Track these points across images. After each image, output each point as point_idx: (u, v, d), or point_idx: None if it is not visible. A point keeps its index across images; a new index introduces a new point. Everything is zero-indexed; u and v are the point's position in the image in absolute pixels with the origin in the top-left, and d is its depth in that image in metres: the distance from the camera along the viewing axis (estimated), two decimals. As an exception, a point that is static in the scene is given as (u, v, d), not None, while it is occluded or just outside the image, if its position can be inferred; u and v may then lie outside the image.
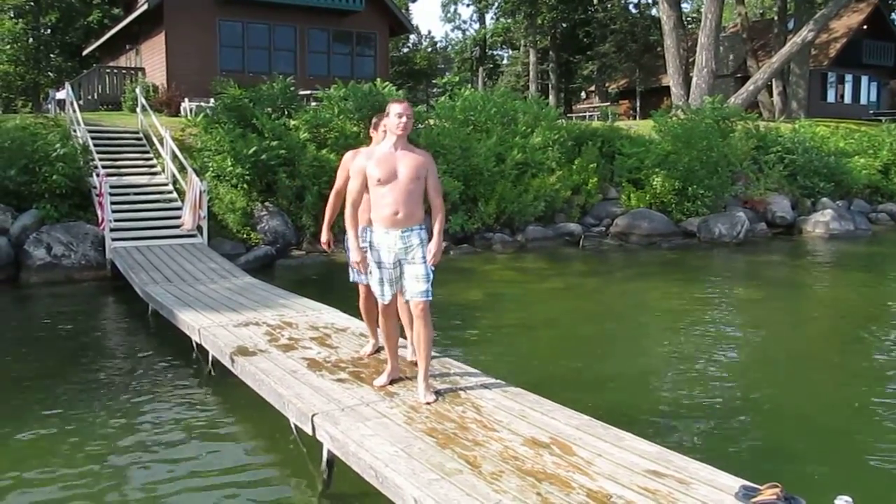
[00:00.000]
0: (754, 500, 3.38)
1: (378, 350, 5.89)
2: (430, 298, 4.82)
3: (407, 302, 4.90)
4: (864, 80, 38.99)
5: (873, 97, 39.89)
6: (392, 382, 5.14)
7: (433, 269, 4.84)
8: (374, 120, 5.41)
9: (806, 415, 6.12)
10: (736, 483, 3.57)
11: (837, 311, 10.82)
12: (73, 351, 7.86)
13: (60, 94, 20.44)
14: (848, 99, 38.58)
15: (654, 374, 7.25)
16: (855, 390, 6.83)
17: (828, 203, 20.48)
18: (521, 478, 3.70)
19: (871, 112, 37.35)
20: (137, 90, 18.14)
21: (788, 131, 22.93)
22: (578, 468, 3.80)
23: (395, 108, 4.71)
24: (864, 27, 36.53)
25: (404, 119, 4.68)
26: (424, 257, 4.79)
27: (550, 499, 3.47)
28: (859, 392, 6.76)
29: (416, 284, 4.78)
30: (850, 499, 3.16)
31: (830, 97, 37.72)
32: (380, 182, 4.71)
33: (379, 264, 4.85)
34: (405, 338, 5.44)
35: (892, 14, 41.58)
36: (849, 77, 38.25)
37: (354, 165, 4.86)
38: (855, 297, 11.70)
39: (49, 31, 36.45)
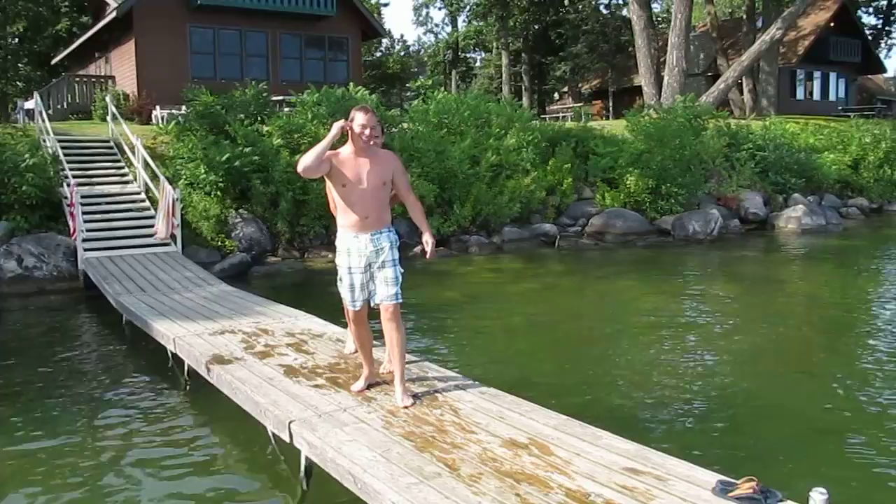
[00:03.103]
0: (731, 494, 3.40)
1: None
2: (401, 301, 4.81)
3: (377, 306, 4.87)
4: (833, 76, 39.50)
5: (842, 93, 40.42)
6: (369, 387, 5.11)
7: (402, 271, 4.83)
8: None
9: (782, 409, 6.18)
10: (713, 478, 3.59)
11: (811, 305, 10.94)
12: (46, 363, 7.75)
13: (29, 104, 20.19)
14: (817, 95, 39.06)
15: (631, 372, 7.29)
16: (830, 384, 6.90)
17: (799, 199, 20.74)
18: (500, 479, 3.70)
19: (840, 108, 37.86)
20: (108, 99, 17.96)
21: (759, 128, 23.19)
22: (557, 468, 3.81)
23: (358, 119, 4.65)
24: (832, 24, 36.98)
25: (368, 132, 4.64)
26: (394, 260, 4.78)
27: (529, 499, 3.47)
28: (834, 385, 6.83)
29: (387, 288, 4.76)
30: (825, 490, 3.19)
31: (800, 94, 38.18)
32: (344, 187, 4.69)
33: (349, 269, 4.82)
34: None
35: (859, 11, 42.21)
36: (817, 74, 38.73)
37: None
38: (828, 291, 11.84)
39: (16, 40, 35.97)
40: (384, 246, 4.77)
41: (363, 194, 4.69)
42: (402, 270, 4.85)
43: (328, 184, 4.98)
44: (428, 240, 4.89)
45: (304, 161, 4.58)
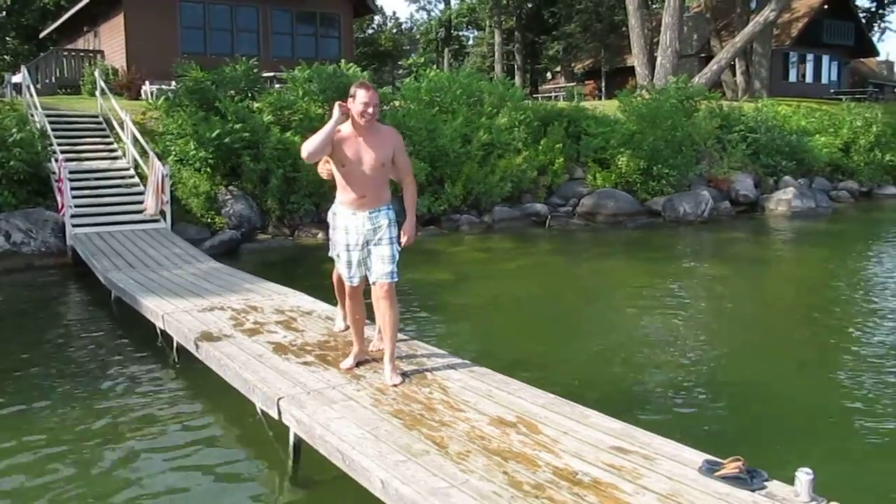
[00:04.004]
0: (718, 473, 3.42)
1: (349, 327, 5.89)
2: (396, 280, 4.80)
3: (373, 284, 4.86)
4: (825, 59, 39.46)
5: (834, 76, 40.40)
6: (358, 365, 5.11)
7: (399, 249, 4.82)
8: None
9: (769, 390, 6.22)
10: (699, 457, 3.61)
11: (800, 287, 10.99)
12: (34, 340, 7.72)
13: (17, 78, 19.92)
14: (809, 78, 39.03)
15: (620, 352, 7.31)
16: (817, 365, 6.95)
17: (790, 181, 20.78)
18: (488, 457, 3.71)
19: (832, 91, 37.85)
20: (96, 73, 17.78)
21: (751, 110, 23.18)
22: (544, 446, 3.82)
23: (360, 96, 4.54)
24: (825, 7, 36.93)
25: (370, 110, 4.54)
26: (392, 238, 4.76)
27: (517, 477, 3.49)
28: (821, 367, 6.88)
29: (382, 266, 4.75)
30: (810, 471, 3.21)
31: (792, 76, 38.15)
32: (344, 167, 4.65)
33: (346, 246, 4.80)
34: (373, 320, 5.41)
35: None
36: (810, 56, 38.67)
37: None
38: (817, 274, 11.90)
39: (3, 13, 35.51)
40: (382, 224, 4.74)
41: (362, 174, 4.64)
42: (400, 248, 4.83)
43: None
44: (406, 229, 4.82)
45: (309, 147, 4.52)
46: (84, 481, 4.57)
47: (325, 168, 5.06)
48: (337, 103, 4.61)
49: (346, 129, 4.65)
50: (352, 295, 4.97)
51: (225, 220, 13.55)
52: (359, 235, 4.74)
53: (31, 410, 5.72)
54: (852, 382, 6.36)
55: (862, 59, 45.21)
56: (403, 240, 4.85)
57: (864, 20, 42.63)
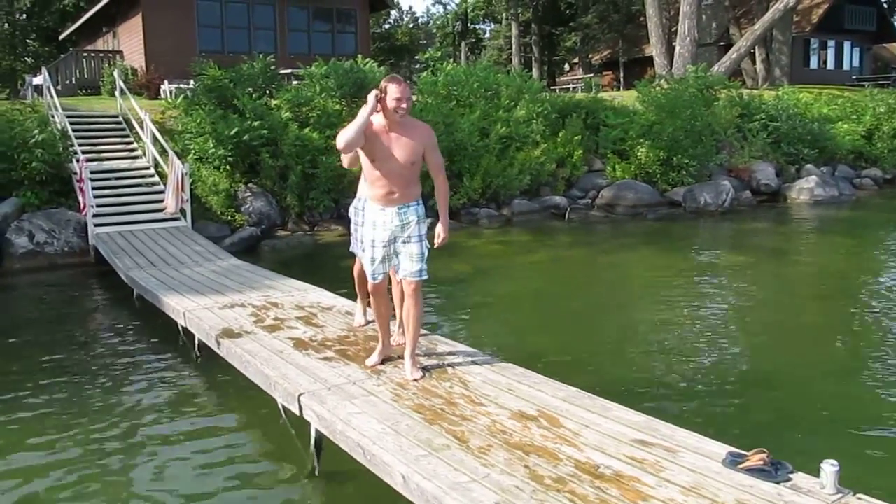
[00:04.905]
0: (741, 465, 3.39)
1: (369, 322, 5.90)
2: (425, 277, 4.77)
3: (400, 280, 4.84)
4: (847, 45, 38.95)
5: (856, 62, 39.87)
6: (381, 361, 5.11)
7: (429, 247, 4.79)
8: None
9: (793, 382, 6.16)
10: (723, 450, 3.58)
11: (824, 277, 10.87)
12: (58, 338, 7.80)
13: (37, 80, 20.12)
14: (831, 65, 38.54)
15: (642, 345, 7.27)
16: (842, 357, 6.88)
17: (812, 169, 20.54)
18: (509, 451, 3.70)
19: (854, 77, 37.35)
20: (116, 73, 17.92)
21: (772, 98, 22.92)
22: (566, 440, 3.80)
23: (392, 91, 4.43)
24: (846, -8, 36.44)
25: (404, 105, 4.46)
26: (421, 236, 4.71)
27: (538, 471, 3.47)
28: (846, 358, 6.81)
29: (411, 264, 4.71)
30: (836, 463, 3.17)
31: (813, 63, 37.69)
32: (374, 162, 4.56)
33: (373, 242, 4.74)
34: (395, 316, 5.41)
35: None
36: (831, 43, 38.19)
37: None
38: (841, 263, 11.76)
39: (24, 15, 35.90)
40: (411, 220, 4.68)
41: (391, 171, 4.55)
42: (429, 246, 4.79)
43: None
44: (440, 232, 4.80)
45: (345, 137, 4.40)
46: (107, 476, 4.61)
47: (347, 157, 4.97)
48: (373, 91, 4.49)
49: (379, 123, 4.54)
50: (374, 292, 4.92)
51: (245, 217, 13.61)
52: (386, 231, 4.68)
53: (55, 408, 5.78)
54: (878, 374, 6.29)
55: (884, 45, 44.57)
56: (438, 240, 4.80)
57: (885, 5, 42.01)
